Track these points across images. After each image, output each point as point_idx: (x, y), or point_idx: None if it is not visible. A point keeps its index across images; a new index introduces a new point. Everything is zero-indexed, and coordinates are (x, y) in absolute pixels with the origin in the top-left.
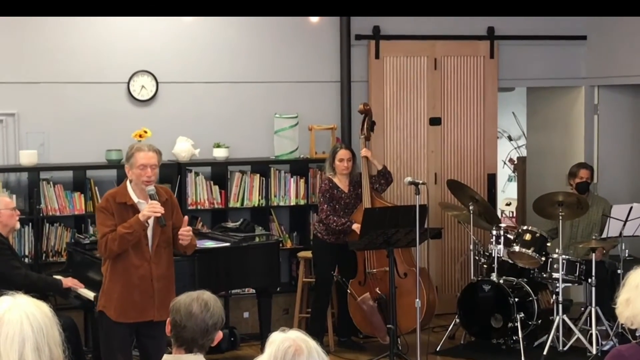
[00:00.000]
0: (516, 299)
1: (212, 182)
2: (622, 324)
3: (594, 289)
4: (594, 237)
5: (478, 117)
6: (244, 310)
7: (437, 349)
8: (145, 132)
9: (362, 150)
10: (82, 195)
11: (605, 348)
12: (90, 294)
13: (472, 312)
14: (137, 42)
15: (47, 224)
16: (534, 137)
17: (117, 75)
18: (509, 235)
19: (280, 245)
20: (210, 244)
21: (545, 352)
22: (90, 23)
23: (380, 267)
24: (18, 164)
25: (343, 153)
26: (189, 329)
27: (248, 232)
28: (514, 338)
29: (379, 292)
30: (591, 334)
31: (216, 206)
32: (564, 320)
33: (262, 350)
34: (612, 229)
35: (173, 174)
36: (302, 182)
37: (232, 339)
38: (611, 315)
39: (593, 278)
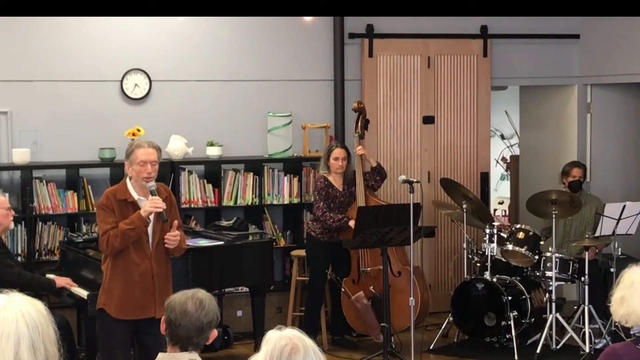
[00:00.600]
0: (509, 298)
1: (205, 181)
2: (616, 322)
3: (587, 287)
4: (587, 236)
5: (471, 116)
6: (237, 309)
7: (431, 347)
8: (139, 130)
9: (357, 149)
10: (75, 193)
11: (598, 346)
12: (83, 293)
13: (466, 310)
14: (130, 40)
15: (40, 223)
16: (527, 136)
17: (110, 73)
18: (502, 234)
19: (274, 243)
20: (203, 242)
21: (538, 351)
22: (83, 21)
23: (374, 265)
24: (11, 162)
25: (338, 152)
26: (183, 327)
27: (241, 230)
28: (507, 336)
29: (373, 290)
30: (584, 332)
31: (209, 205)
32: (557, 319)
33: (255, 349)
34: (605, 227)
35: (166, 173)
36: (295, 180)
37: (225, 337)
38: (604, 314)
39: (586, 276)
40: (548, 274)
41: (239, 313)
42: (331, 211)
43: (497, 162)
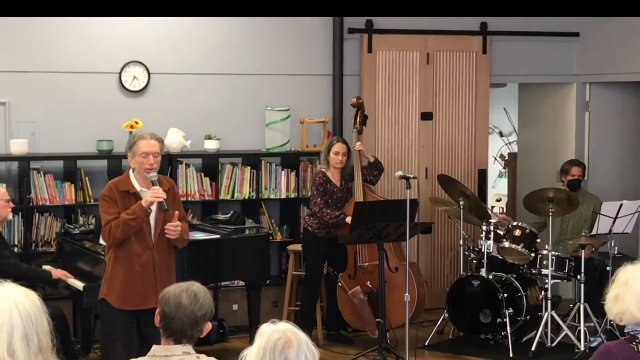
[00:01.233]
0: (505, 295)
1: (202, 174)
2: (610, 320)
3: (582, 285)
4: (583, 234)
5: (470, 113)
6: (233, 303)
7: (426, 344)
8: (137, 122)
9: (356, 144)
10: (73, 185)
11: (593, 344)
12: (79, 284)
13: (461, 307)
14: (129, 32)
15: (37, 214)
16: (525, 134)
17: (108, 65)
18: (498, 231)
19: (270, 238)
20: (200, 235)
21: (533, 348)
22: None
23: (371, 260)
24: (8, 153)
25: (339, 146)
26: (177, 320)
27: (238, 224)
28: (503, 333)
29: (370, 285)
30: (579, 331)
31: (206, 198)
32: (552, 317)
33: (250, 342)
34: (602, 226)
35: (164, 166)
36: (292, 175)
37: (221, 331)
38: (600, 312)
39: (582, 275)
40: (544, 271)
41: (235, 307)
42: (328, 207)
43: (495, 159)
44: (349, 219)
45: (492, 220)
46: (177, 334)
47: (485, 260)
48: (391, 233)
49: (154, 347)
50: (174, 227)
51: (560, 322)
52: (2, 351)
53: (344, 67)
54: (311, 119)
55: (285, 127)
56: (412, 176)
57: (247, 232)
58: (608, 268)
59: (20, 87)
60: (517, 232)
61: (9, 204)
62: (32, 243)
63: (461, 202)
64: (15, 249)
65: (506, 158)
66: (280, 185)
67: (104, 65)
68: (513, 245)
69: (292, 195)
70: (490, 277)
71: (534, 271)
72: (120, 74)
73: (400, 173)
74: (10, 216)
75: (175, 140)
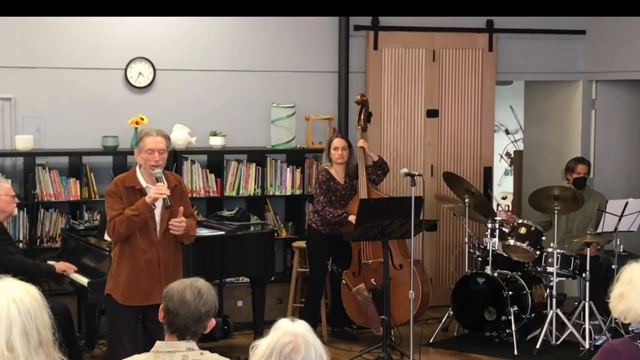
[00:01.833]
0: (510, 293)
1: (208, 171)
2: (615, 318)
3: (587, 283)
4: (589, 232)
5: (475, 110)
6: (237, 299)
7: (430, 341)
8: (142, 119)
9: (359, 142)
10: (78, 181)
11: (598, 343)
12: (84, 280)
13: (466, 304)
14: (134, 28)
15: (42, 210)
16: (531, 131)
17: (114, 61)
18: (504, 229)
19: (275, 234)
20: (205, 232)
21: (538, 346)
22: None
23: (375, 258)
24: (14, 148)
25: (337, 141)
26: (181, 316)
27: (243, 221)
28: (507, 331)
29: (374, 283)
30: (584, 329)
31: (212, 195)
32: (557, 314)
33: (255, 339)
34: (608, 224)
35: (169, 162)
36: (298, 172)
37: (225, 327)
38: (605, 310)
39: (587, 273)
40: (549, 269)
41: (240, 303)
42: (332, 205)
43: (501, 157)
44: (352, 218)
45: (498, 218)
46: (181, 330)
47: (490, 258)
48: (396, 230)
49: (158, 343)
50: (177, 223)
51: (565, 320)
52: (2, 346)
53: (349, 64)
54: (317, 116)
55: (291, 124)
56: (417, 173)
57: (252, 228)
58: (613, 266)
59: (25, 83)
60: (523, 230)
61: (14, 199)
62: (37, 239)
63: (466, 200)
64: (20, 245)
65: (512, 156)
66: (286, 182)
67: (109, 62)
68: (518, 243)
69: (297, 192)
70: (495, 274)
71: (539, 269)
72: (125, 70)
73: (405, 170)
74: (15, 212)
75: (180, 137)
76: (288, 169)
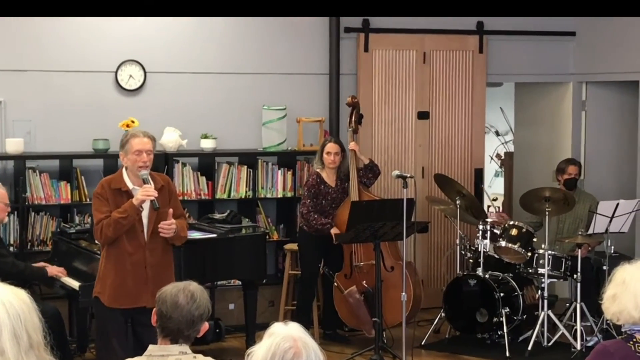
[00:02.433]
0: (501, 294)
1: (199, 173)
2: (607, 320)
3: (579, 284)
4: (580, 233)
5: (466, 112)
6: (229, 302)
7: (422, 343)
8: (133, 122)
9: (351, 144)
10: (68, 184)
11: (590, 344)
12: (75, 284)
13: (458, 306)
14: (125, 31)
15: (33, 213)
16: (522, 133)
17: (105, 64)
18: (495, 230)
19: (267, 237)
20: (196, 235)
21: (529, 347)
22: None
23: (367, 260)
24: (4, 152)
25: (331, 146)
26: (174, 319)
27: (235, 223)
28: (499, 333)
29: (366, 285)
30: (576, 330)
31: (203, 197)
32: (548, 316)
33: (247, 342)
34: (599, 225)
35: (160, 165)
36: (289, 174)
37: (217, 330)
38: (596, 311)
39: (578, 274)
40: (540, 271)
41: (231, 306)
42: (322, 208)
43: (492, 158)
44: (333, 230)
45: (489, 220)
46: (174, 334)
47: (481, 260)
48: (388, 232)
49: (151, 347)
50: (167, 226)
51: (557, 322)
52: None
53: (340, 66)
54: (308, 118)
55: (282, 126)
56: (408, 175)
57: (243, 231)
58: (604, 267)
59: (16, 86)
60: (514, 232)
61: (7, 207)
62: (27, 242)
63: (458, 202)
64: (11, 249)
65: (502, 157)
66: (277, 184)
67: (100, 64)
68: (509, 245)
69: (289, 194)
70: (487, 276)
71: (530, 270)
72: (116, 72)
73: (396, 172)
74: (6, 220)
75: (171, 139)
76: (279, 172)
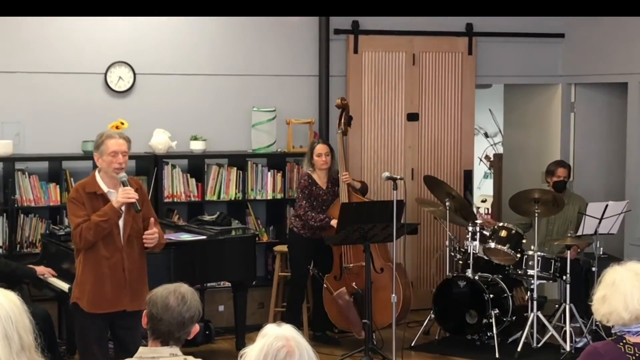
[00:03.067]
0: (491, 296)
1: (188, 175)
2: (597, 321)
3: (568, 286)
4: (569, 235)
5: (455, 114)
6: (219, 304)
7: (412, 344)
8: (122, 123)
9: (343, 177)
10: (58, 186)
11: (579, 345)
12: (64, 286)
13: (447, 308)
14: (115, 32)
15: (22, 215)
16: (511, 134)
17: (94, 65)
18: (484, 232)
19: (257, 239)
20: (186, 237)
21: (519, 349)
22: None
23: (356, 261)
24: None
25: (321, 147)
26: (165, 321)
27: (224, 225)
28: (489, 334)
29: (356, 286)
30: (565, 331)
31: (192, 199)
32: (538, 317)
33: (237, 344)
34: (588, 226)
35: (150, 166)
36: (279, 176)
37: (207, 332)
38: (585, 313)
39: (568, 275)
40: (530, 272)
41: (221, 308)
42: (314, 209)
43: (481, 160)
44: (334, 222)
45: (478, 221)
46: (165, 336)
47: (471, 261)
48: (377, 234)
49: (141, 349)
50: (151, 235)
51: (546, 323)
52: None
53: (330, 68)
54: (297, 120)
55: (272, 128)
56: (398, 177)
57: (233, 233)
58: (593, 269)
59: (4, 87)
60: (503, 233)
61: None
62: (17, 244)
63: (447, 203)
64: (0, 250)
65: (491, 159)
66: (267, 186)
67: (89, 66)
68: (499, 246)
69: (279, 196)
70: (476, 277)
71: (519, 272)
72: (105, 74)
73: (386, 174)
74: None
75: (161, 141)
76: (269, 173)
